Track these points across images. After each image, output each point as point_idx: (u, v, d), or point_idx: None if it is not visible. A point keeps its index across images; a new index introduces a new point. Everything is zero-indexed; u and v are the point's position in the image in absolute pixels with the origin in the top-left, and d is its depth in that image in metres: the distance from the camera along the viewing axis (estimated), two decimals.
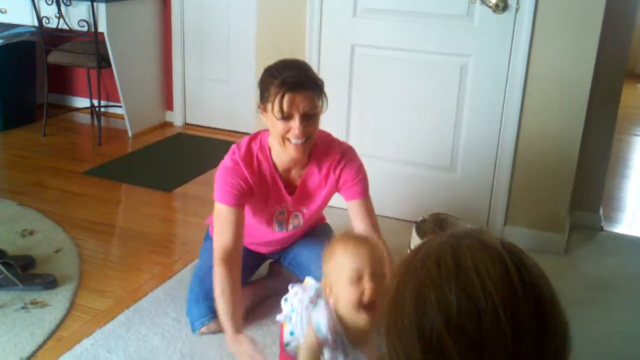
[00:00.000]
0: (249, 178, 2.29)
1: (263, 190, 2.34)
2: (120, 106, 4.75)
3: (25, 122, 4.82)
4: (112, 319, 2.52)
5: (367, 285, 1.73)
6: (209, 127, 4.92)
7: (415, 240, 2.72)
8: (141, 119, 4.83)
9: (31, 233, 3.19)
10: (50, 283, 2.70)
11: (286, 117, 2.15)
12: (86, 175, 3.97)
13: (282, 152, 2.27)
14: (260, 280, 2.71)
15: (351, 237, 1.89)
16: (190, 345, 2.37)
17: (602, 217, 3.47)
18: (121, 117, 4.88)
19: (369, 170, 3.41)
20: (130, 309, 2.59)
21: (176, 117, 5.03)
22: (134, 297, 2.69)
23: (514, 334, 0.71)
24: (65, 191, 3.74)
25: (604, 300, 2.77)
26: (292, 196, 2.39)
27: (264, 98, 2.22)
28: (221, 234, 2.28)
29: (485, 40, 3.04)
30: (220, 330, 2.35)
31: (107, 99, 5.05)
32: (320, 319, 1.78)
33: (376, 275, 1.74)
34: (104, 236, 3.27)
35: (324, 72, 3.31)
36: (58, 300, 2.63)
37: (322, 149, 2.38)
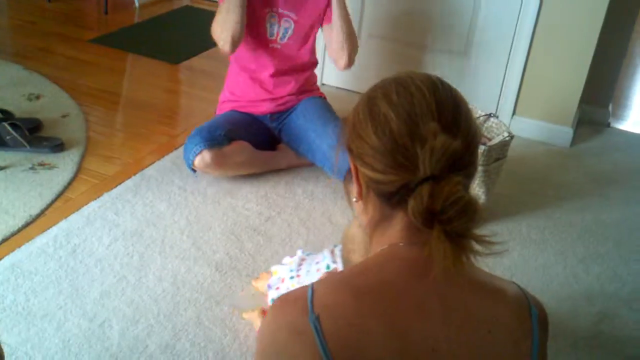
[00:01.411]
0: None
1: None
2: None
3: None
4: (119, 184, 2.55)
5: None
6: (216, 1, 4.79)
7: None
8: None
9: (37, 97, 3.18)
10: (58, 146, 2.72)
11: None
12: (92, 43, 3.91)
13: None
14: (268, 151, 2.73)
15: None
16: (196, 213, 2.41)
17: (610, 113, 3.45)
18: None
19: (381, 51, 3.37)
20: (137, 175, 2.62)
21: None
22: (141, 164, 2.71)
23: (437, 107, 0.94)
24: (71, 58, 3.69)
25: (604, 192, 2.80)
26: None
27: None
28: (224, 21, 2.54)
29: None
30: (216, 166, 2.50)
31: None
32: None
33: None
34: (110, 104, 3.26)
35: None
36: (65, 163, 2.65)
37: None
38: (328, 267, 1.74)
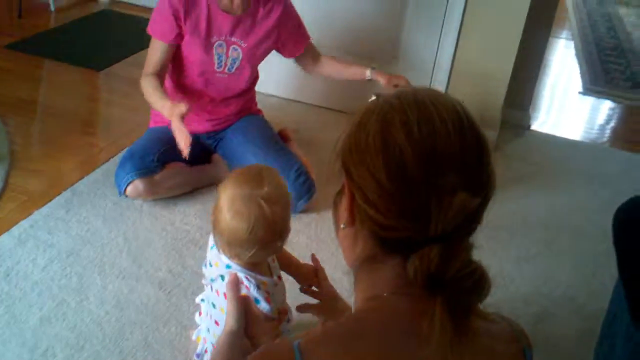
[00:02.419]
0: (179, 4, 2.37)
1: (197, 17, 2.41)
2: None
3: None
4: (50, 200, 2.46)
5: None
6: (137, 5, 4.68)
7: None
8: None
9: None
10: None
11: None
12: (8, 50, 3.74)
13: None
14: (201, 166, 2.68)
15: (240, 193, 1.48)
16: (133, 229, 2.35)
17: (530, 116, 3.59)
18: None
19: None
20: (67, 191, 2.53)
21: None
22: (70, 178, 2.62)
23: (461, 154, 0.83)
24: None
25: (530, 193, 2.91)
26: (230, 25, 2.46)
27: None
28: (150, 60, 2.46)
29: None
30: (148, 194, 2.44)
31: None
32: (255, 295, 1.52)
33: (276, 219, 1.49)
34: (31, 114, 3.13)
35: None
36: None
37: None
38: (222, 278, 1.54)
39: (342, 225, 0.93)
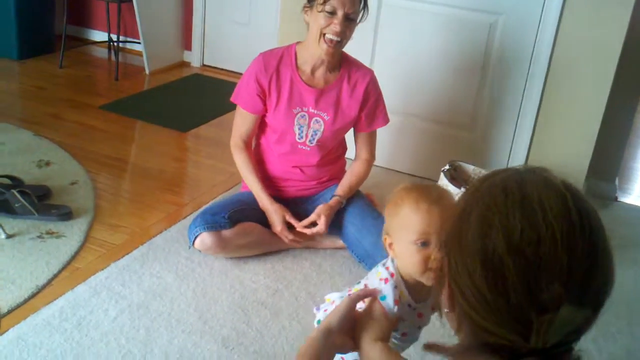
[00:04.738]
0: (263, 75, 2.49)
1: (281, 87, 2.51)
2: (138, 42, 4.71)
3: (41, 53, 4.78)
4: (127, 254, 2.54)
5: (433, 253, 1.43)
6: (226, 70, 4.88)
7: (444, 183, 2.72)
8: (159, 56, 4.78)
9: (47, 164, 3.20)
10: (66, 215, 2.72)
11: (330, 12, 2.36)
12: (102, 110, 3.96)
13: (315, 49, 2.44)
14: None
15: (424, 193, 1.46)
16: (203, 285, 2.39)
17: (617, 187, 3.46)
18: (138, 53, 4.84)
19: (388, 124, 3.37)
20: (144, 245, 2.61)
21: (194, 57, 4.99)
22: (148, 234, 2.70)
23: (568, 263, 0.77)
24: (81, 124, 3.73)
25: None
26: (313, 98, 2.52)
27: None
28: (238, 129, 2.60)
29: None
30: (217, 249, 2.48)
31: (125, 35, 5.00)
32: (387, 292, 1.48)
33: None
34: (118, 172, 3.27)
35: None
36: (73, 232, 2.65)
37: (353, 61, 2.61)
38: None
39: (445, 310, 0.91)
